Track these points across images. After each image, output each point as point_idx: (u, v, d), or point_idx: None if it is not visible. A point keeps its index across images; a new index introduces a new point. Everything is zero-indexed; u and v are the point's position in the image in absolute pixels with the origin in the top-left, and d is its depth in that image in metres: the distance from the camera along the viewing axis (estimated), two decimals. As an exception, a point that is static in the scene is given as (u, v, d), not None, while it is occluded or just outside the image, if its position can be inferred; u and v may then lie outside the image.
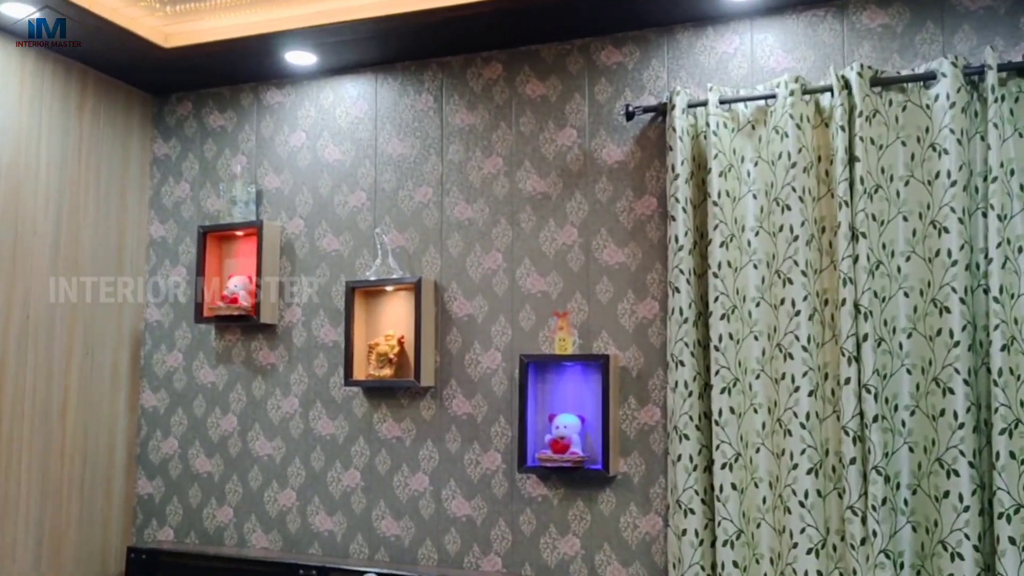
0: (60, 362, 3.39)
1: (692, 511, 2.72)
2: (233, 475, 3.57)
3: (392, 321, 3.34)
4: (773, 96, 2.77)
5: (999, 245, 2.44)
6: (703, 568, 2.71)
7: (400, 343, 3.28)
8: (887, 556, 2.47)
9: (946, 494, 2.51)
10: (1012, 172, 2.49)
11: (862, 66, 2.64)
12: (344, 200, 3.50)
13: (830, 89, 2.69)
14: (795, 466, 2.62)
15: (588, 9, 2.96)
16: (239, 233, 3.62)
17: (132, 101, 3.79)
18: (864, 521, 2.50)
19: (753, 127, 2.82)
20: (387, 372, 3.25)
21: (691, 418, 2.74)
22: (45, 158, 3.37)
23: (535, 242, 3.18)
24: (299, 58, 3.44)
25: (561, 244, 3.14)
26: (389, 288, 3.33)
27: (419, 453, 3.27)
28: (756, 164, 2.79)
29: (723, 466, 2.68)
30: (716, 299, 2.72)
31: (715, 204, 2.75)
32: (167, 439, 3.71)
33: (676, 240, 2.79)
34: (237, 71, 3.62)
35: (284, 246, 3.58)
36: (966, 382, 2.49)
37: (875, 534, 2.47)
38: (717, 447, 2.68)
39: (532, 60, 3.25)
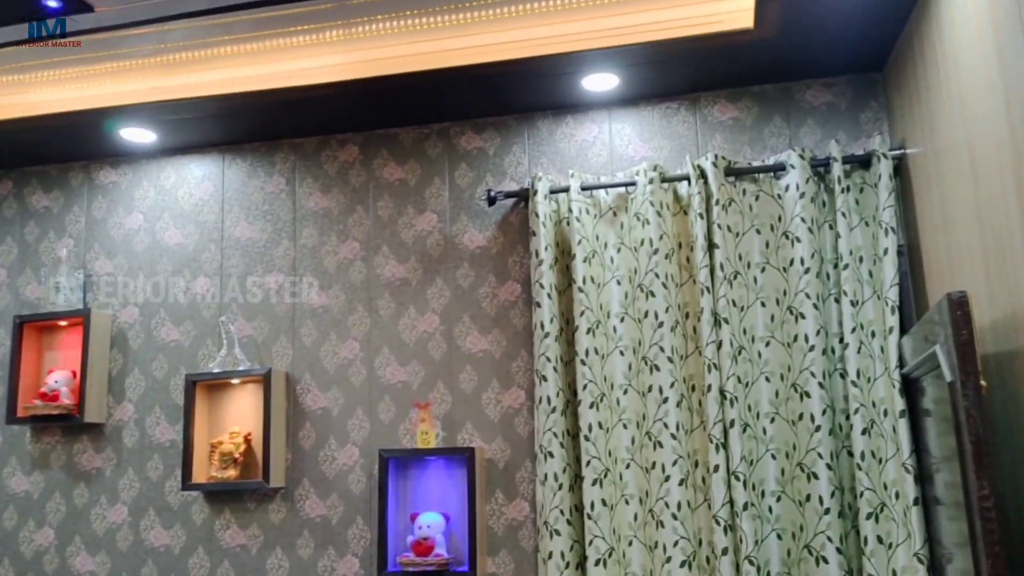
0: None
1: (565, 612, 2.58)
2: (48, 598, 3.14)
3: (238, 417, 3.08)
4: (633, 184, 2.79)
5: (853, 330, 2.51)
6: (578, 673, 2.56)
7: (247, 440, 3.03)
8: (763, 649, 2.42)
9: (814, 582, 2.50)
10: (861, 259, 2.59)
11: (716, 156, 2.71)
12: (186, 287, 3.24)
13: (687, 178, 2.74)
14: (668, 559, 2.54)
15: (447, 94, 2.92)
16: (63, 323, 3.28)
17: (-60, 177, 3.41)
18: (739, 613, 2.44)
19: (615, 213, 2.83)
20: (232, 473, 2.98)
21: (562, 512, 2.63)
22: None
23: (394, 330, 3.03)
24: (137, 135, 3.21)
25: (422, 332, 3.01)
26: (235, 381, 3.08)
27: (267, 562, 2.99)
28: (619, 250, 2.79)
29: (597, 562, 2.57)
30: (584, 387, 2.65)
31: (580, 290, 2.71)
32: (-32, 559, 3.23)
33: (542, 327, 2.73)
34: (66, 148, 3.34)
35: (115, 336, 3.27)
36: (829, 467, 2.51)
37: (751, 626, 2.41)
38: (590, 542, 2.57)
39: (390, 143, 3.16)
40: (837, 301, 2.60)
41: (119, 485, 3.15)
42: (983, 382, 1.79)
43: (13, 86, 3.02)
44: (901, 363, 2.45)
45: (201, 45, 2.85)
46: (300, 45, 2.78)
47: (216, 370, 3.08)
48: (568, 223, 2.83)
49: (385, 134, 3.17)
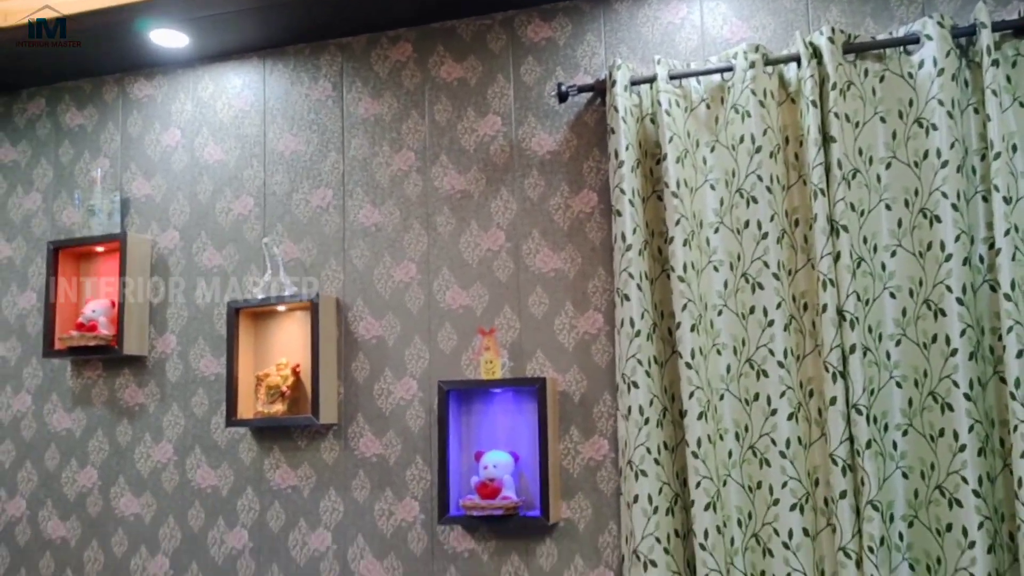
0: None
1: (653, 563, 2.24)
2: (92, 540, 2.94)
3: (285, 348, 2.79)
4: (730, 69, 2.37)
5: (1007, 233, 2.07)
6: (669, 633, 2.23)
7: (295, 373, 2.74)
8: (891, 609, 2.05)
9: (948, 527, 2.11)
10: (1015, 148, 2.14)
11: (834, 30, 2.26)
12: (227, 207, 2.95)
13: (796, 59, 2.31)
14: (775, 501, 2.18)
15: (511, -25, 2.53)
16: (99, 249, 3.02)
17: (-33, 94, 3.17)
18: (859, 565, 2.07)
19: (708, 106, 2.42)
20: (279, 408, 2.70)
21: (649, 450, 2.28)
22: None
23: (455, 249, 2.69)
24: (169, 38, 2.89)
25: (486, 250, 2.66)
26: (281, 308, 2.79)
27: (320, 504, 2.72)
28: (713, 149, 2.38)
29: (707, 507, 2.21)
30: (684, 307, 2.27)
31: (674, 195, 2.31)
32: (13, 499, 3.05)
33: (623, 238, 2.35)
34: (99, 59, 3.05)
35: (155, 263, 3.01)
36: (967, 396, 2.10)
37: (876, 581, 2.04)
38: (698, 484, 2.20)
39: (447, 38, 2.79)
40: (985, 199, 2.15)
41: (163, 422, 2.92)
42: None
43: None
44: (1066, 272, 2.01)
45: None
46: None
47: (260, 296, 2.79)
48: (653, 119, 2.43)
49: (441, 28, 2.79)
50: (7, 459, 3.09)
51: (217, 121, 3.01)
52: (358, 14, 2.76)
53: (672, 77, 2.41)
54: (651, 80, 2.43)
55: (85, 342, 2.88)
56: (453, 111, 2.75)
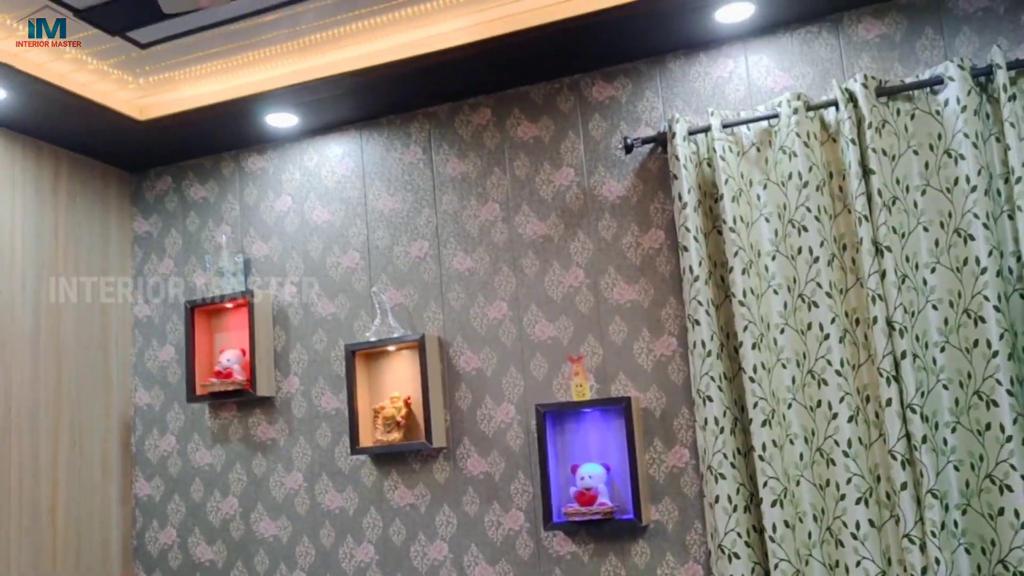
0: (46, 454, 3.19)
1: (736, 555, 2.55)
2: (237, 561, 3.35)
3: (396, 382, 3.19)
4: (776, 116, 2.70)
5: (1032, 246, 2.35)
6: (754, 616, 2.53)
7: (407, 404, 3.13)
8: (952, 585, 2.32)
9: (1000, 511, 2.37)
10: (1035, 171, 2.41)
11: (866, 76, 2.57)
12: (337, 261, 3.36)
13: (835, 103, 2.62)
14: (842, 496, 2.47)
15: (575, 45, 2.89)
16: (228, 305, 3.47)
17: (109, 179, 3.66)
18: (923, 548, 2.35)
19: (758, 149, 2.74)
20: (396, 436, 3.09)
21: (725, 456, 2.59)
22: (20, 242, 3.22)
23: (540, 287, 3.05)
24: (280, 120, 3.34)
25: (568, 287, 3.02)
26: (391, 348, 3.19)
27: (435, 519, 3.09)
28: (765, 187, 2.70)
29: (774, 503, 2.52)
30: (745, 328, 2.59)
31: (732, 230, 2.64)
32: (164, 528, 3.49)
33: (691, 271, 2.68)
34: (216, 139, 3.51)
35: (276, 314, 3.43)
36: (1010, 392, 2.37)
37: (938, 562, 2.31)
38: (765, 484, 2.52)
39: (521, 102, 3.17)
40: (1011, 218, 2.43)
41: (292, 453, 3.33)
42: None
43: (164, 84, 3.19)
44: (1089, 278, 2.27)
45: (332, 24, 2.92)
46: (425, 12, 2.81)
47: (373, 339, 3.19)
48: (710, 164, 2.77)
49: (516, 93, 3.17)
50: (157, 494, 3.53)
51: (322, 187, 3.44)
52: (441, 86, 3.16)
53: (725, 126, 2.74)
54: (706, 130, 2.77)
55: (224, 387, 3.31)
56: (531, 166, 3.12)
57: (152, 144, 3.50)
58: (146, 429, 3.57)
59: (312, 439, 3.30)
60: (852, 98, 2.59)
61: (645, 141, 2.90)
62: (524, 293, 3.08)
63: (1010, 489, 2.35)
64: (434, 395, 3.06)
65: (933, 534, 2.34)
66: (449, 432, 3.10)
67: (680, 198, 2.73)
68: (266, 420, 3.39)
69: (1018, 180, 2.38)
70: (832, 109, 2.65)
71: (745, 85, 2.86)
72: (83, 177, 3.53)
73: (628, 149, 2.89)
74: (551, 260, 3.05)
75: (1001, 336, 2.39)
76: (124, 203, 3.73)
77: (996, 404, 2.39)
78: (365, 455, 3.18)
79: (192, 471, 3.48)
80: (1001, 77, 2.43)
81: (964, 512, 2.44)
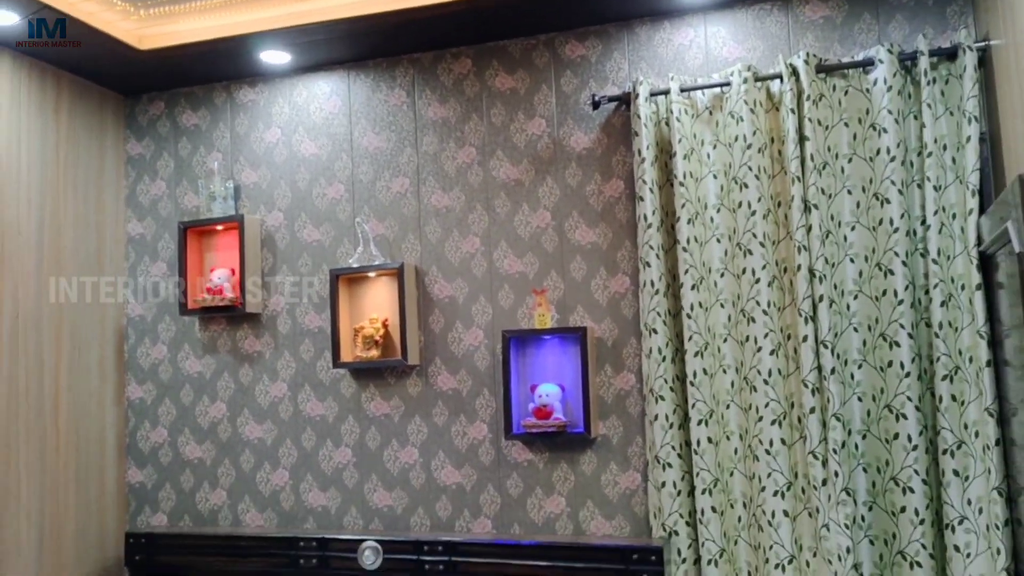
0: (50, 359, 3.48)
1: (670, 465, 2.97)
2: (225, 459, 3.71)
3: (375, 305, 3.52)
4: (728, 84, 3.03)
5: (935, 212, 2.74)
6: (681, 516, 2.97)
7: (385, 325, 3.47)
8: (847, 494, 2.76)
9: (895, 436, 2.81)
10: (944, 147, 2.79)
11: (808, 54, 2.91)
12: (323, 193, 3.65)
13: (779, 76, 2.96)
14: (760, 418, 2.89)
15: (551, 5, 3.17)
16: (219, 228, 3.74)
17: (105, 102, 3.87)
18: (824, 463, 2.79)
19: (711, 113, 3.08)
20: (374, 353, 3.43)
21: (665, 381, 2.99)
22: (26, 160, 3.44)
23: (510, 226, 3.39)
24: (273, 57, 3.57)
25: (535, 227, 3.36)
26: (372, 274, 3.51)
27: (408, 428, 3.47)
28: (715, 147, 3.05)
29: (699, 422, 2.94)
30: (686, 271, 2.97)
31: (681, 184, 3.00)
32: (155, 428, 3.82)
33: (645, 219, 3.04)
34: (210, 71, 3.73)
35: (265, 239, 3.72)
36: (910, 335, 2.79)
37: (836, 475, 2.76)
38: (693, 405, 2.93)
39: (500, 55, 3.45)
40: (920, 187, 2.82)
41: (277, 366, 3.66)
42: (1044, 253, 2.04)
43: (165, 17, 3.40)
44: (979, 242, 2.68)
45: (329, -28, 3.16)
46: (420, -31, 3.06)
47: (355, 265, 3.51)
48: (667, 123, 3.10)
49: (496, 46, 3.45)
50: (148, 397, 3.85)
51: (311, 122, 3.70)
52: (426, 35, 3.42)
53: (682, 90, 3.07)
54: (666, 92, 3.09)
55: (214, 303, 3.62)
56: (506, 115, 3.42)
57: (148, 71, 3.71)
58: (138, 338, 3.87)
59: (296, 353, 3.64)
60: (795, 72, 2.93)
61: (611, 99, 3.22)
62: (495, 231, 3.41)
63: (905, 417, 2.79)
64: (410, 318, 3.41)
65: (835, 451, 2.78)
66: (422, 351, 3.46)
67: (639, 153, 3.07)
68: (253, 334, 3.71)
69: (929, 154, 2.76)
70: (777, 81, 2.99)
71: (703, 53, 3.18)
72: (81, 99, 3.74)
73: (595, 105, 3.21)
74: (521, 202, 3.38)
75: (906, 287, 2.80)
76: (119, 126, 3.95)
77: (898, 345, 2.81)
78: (345, 369, 3.53)
79: (182, 378, 3.80)
80: (923, 63, 2.78)
81: (864, 436, 2.88)
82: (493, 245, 3.41)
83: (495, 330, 3.37)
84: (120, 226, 3.92)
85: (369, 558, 3.24)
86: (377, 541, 3.27)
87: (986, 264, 2.65)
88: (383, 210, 3.56)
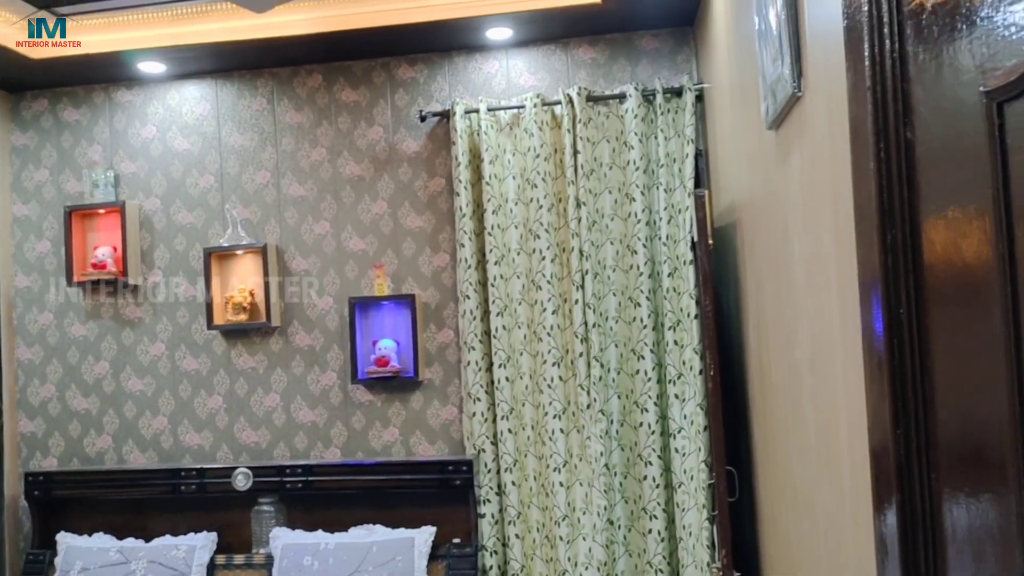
0: (-48, 324, 4.03)
1: (479, 399, 3.91)
2: (109, 409, 4.36)
3: (242, 278, 4.26)
4: (523, 106, 3.95)
5: (666, 208, 3.78)
6: (487, 437, 3.91)
7: (251, 295, 4.22)
8: (603, 414, 3.78)
9: (637, 371, 3.84)
10: (673, 160, 3.82)
11: (580, 87, 3.87)
12: (195, 182, 4.34)
13: (559, 103, 3.91)
14: (544, 361, 3.87)
15: (388, 36, 3.98)
16: (101, 212, 4.36)
17: (-7, 99, 4.39)
18: (588, 393, 3.79)
19: (511, 128, 4.00)
20: (243, 317, 4.18)
21: (475, 335, 3.92)
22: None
23: (355, 213, 4.20)
24: (150, 67, 4.22)
25: (375, 214, 4.19)
26: (239, 252, 4.24)
27: (271, 378, 4.24)
28: (514, 155, 3.97)
29: (500, 366, 3.88)
30: (491, 251, 3.89)
31: (488, 183, 3.91)
32: (44, 385, 4.41)
33: (461, 209, 3.93)
34: (91, 75, 4.32)
35: (143, 221, 4.37)
36: (648, 298, 3.82)
37: (595, 400, 3.76)
38: (495, 353, 3.87)
39: (346, 73, 4.24)
40: (656, 189, 3.85)
41: (156, 329, 4.34)
42: (711, 241, 3.07)
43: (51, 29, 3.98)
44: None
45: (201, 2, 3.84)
46: (278, 10, 3.80)
47: (225, 244, 4.23)
48: (478, 135, 3.99)
49: (342, 66, 4.24)
50: (37, 358, 4.43)
51: (183, 122, 4.37)
52: (284, 55, 4.16)
53: (489, 109, 3.97)
54: (477, 111, 3.98)
55: (100, 276, 4.25)
56: (351, 122, 4.22)
57: (33, 73, 4.26)
58: (26, 307, 4.44)
59: (173, 319, 4.33)
60: (571, 100, 3.88)
61: (435, 114, 4.08)
62: (342, 216, 4.22)
63: (643, 358, 3.81)
64: (272, 288, 4.17)
65: (595, 384, 3.78)
66: (283, 315, 4.24)
67: (456, 157, 3.96)
68: (134, 303, 4.37)
69: (663, 165, 3.78)
70: (559, 106, 3.94)
71: (506, 81, 4.10)
72: (-28, 98, 4.25)
73: (423, 118, 4.06)
74: (363, 194, 4.20)
75: (646, 263, 3.82)
76: (4, 119, 4.48)
77: (639, 305, 3.83)
78: (217, 331, 4.26)
79: (68, 341, 4.41)
80: (659, 98, 3.80)
81: (618, 372, 3.90)
82: (340, 228, 4.21)
83: (343, 297, 4.18)
84: (6, 208, 4.45)
85: (241, 481, 4.02)
86: (248, 467, 4.04)
87: (694, 247, 3.71)
88: (248, 198, 4.29)
